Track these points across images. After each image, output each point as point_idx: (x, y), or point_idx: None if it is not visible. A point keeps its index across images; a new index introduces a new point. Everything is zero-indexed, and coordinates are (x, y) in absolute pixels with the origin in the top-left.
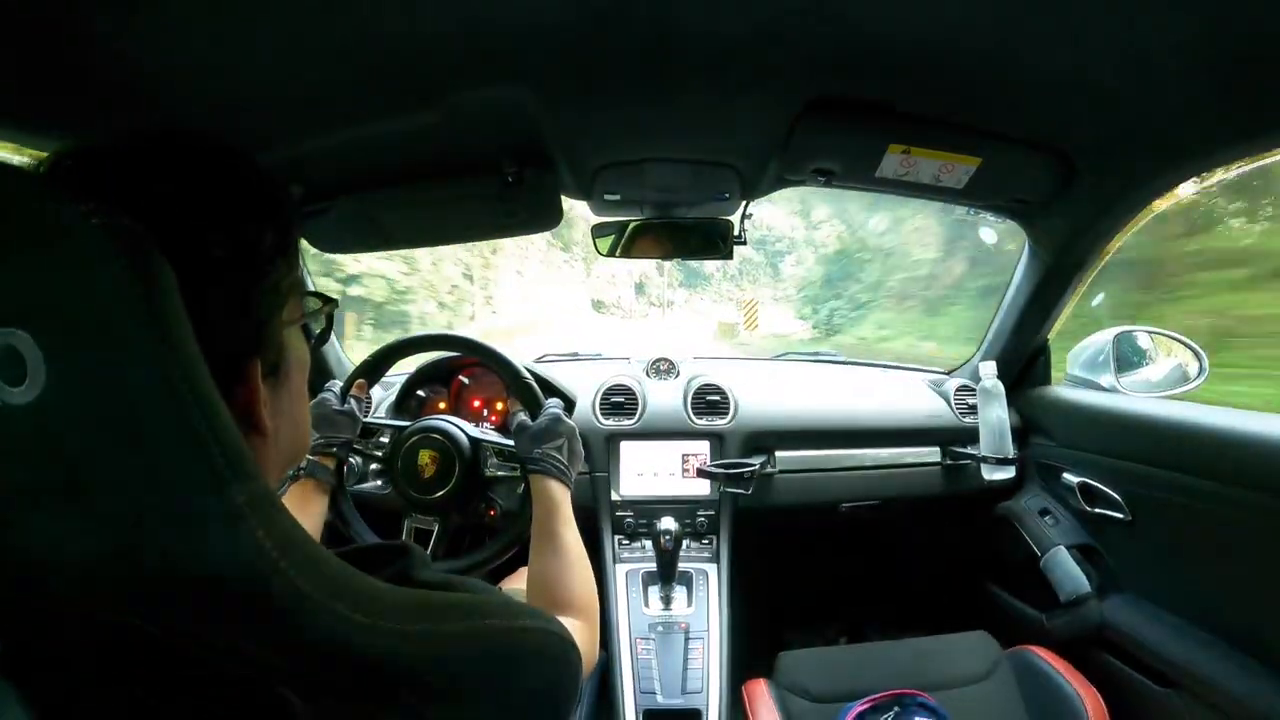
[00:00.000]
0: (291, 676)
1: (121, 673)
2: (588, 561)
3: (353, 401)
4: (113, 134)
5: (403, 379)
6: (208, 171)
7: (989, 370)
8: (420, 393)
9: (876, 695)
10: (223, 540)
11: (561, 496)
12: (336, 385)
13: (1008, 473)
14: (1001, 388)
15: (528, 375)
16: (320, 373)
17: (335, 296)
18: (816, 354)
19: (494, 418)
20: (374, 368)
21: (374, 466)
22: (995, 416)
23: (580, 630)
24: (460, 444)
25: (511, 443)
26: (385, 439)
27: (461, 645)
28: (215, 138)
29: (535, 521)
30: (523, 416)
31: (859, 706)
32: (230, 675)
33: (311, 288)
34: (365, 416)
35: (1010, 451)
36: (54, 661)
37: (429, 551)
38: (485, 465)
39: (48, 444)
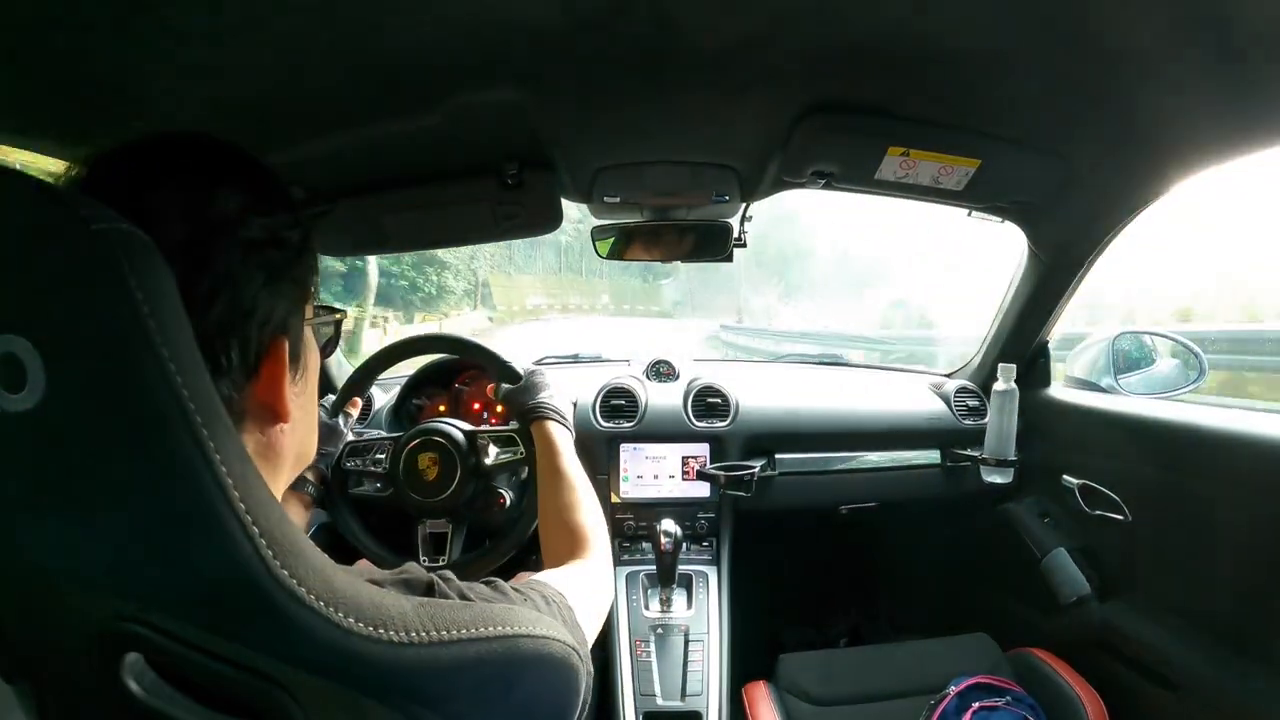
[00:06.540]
0: (291, 683)
1: (121, 678)
2: (595, 495)
3: (342, 417)
4: (125, 139)
5: (401, 382)
6: (239, 162)
7: (1009, 373)
8: (416, 400)
9: (978, 676)
10: (223, 548)
11: (563, 437)
12: (328, 400)
13: (1006, 476)
14: (1017, 391)
15: (499, 352)
16: (324, 379)
17: (343, 309)
18: (818, 356)
19: (494, 419)
20: (362, 380)
21: (376, 484)
22: (1006, 419)
23: (594, 568)
24: (457, 441)
25: (507, 426)
26: (382, 455)
27: (463, 655)
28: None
29: (540, 462)
30: (506, 386)
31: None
32: (229, 681)
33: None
34: (350, 432)
35: (1011, 454)
36: (55, 667)
37: (446, 554)
38: (484, 455)
39: (47, 451)
